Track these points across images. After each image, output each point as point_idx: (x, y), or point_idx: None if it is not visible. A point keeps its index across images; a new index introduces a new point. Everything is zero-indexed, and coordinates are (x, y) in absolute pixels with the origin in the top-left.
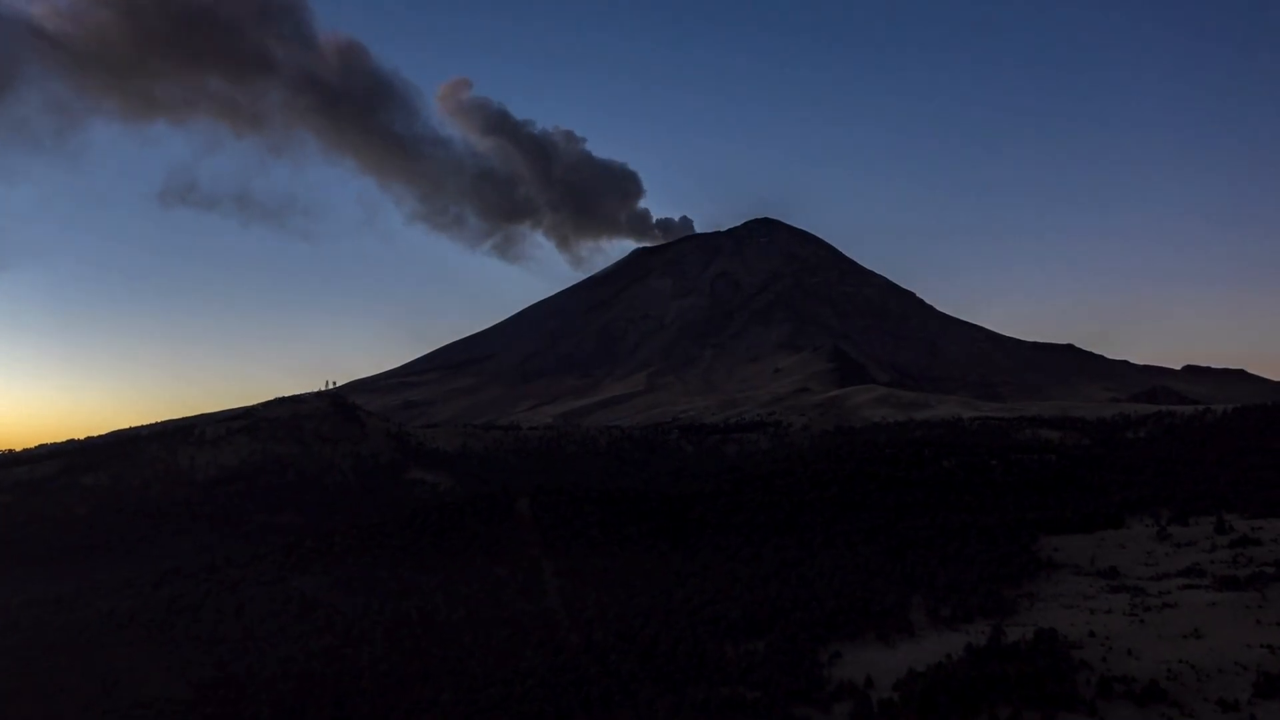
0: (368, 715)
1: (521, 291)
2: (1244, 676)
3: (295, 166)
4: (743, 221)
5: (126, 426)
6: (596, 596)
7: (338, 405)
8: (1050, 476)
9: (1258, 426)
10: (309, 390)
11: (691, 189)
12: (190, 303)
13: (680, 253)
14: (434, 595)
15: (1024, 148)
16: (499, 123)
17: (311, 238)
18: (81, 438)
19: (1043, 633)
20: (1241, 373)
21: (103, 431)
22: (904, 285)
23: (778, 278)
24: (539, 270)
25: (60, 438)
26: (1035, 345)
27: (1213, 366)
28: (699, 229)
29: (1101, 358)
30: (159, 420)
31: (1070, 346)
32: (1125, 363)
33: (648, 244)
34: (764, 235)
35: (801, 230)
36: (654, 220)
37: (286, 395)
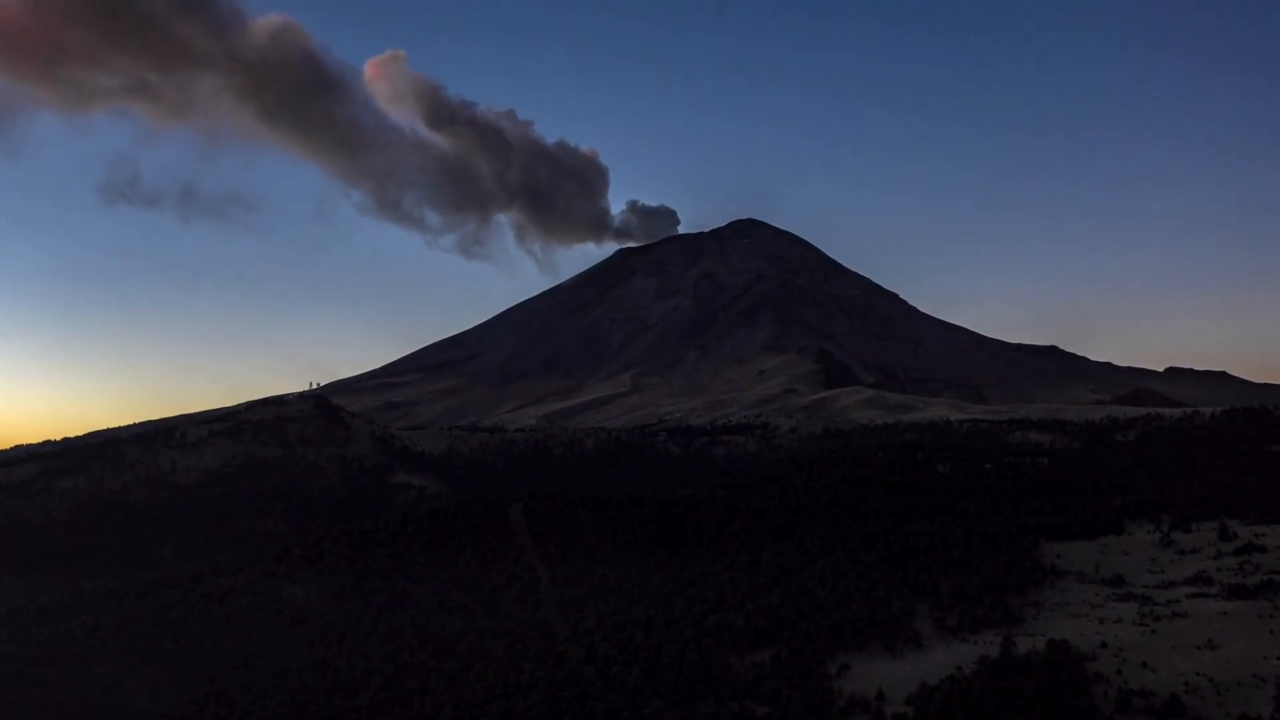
0: None
1: (503, 292)
2: (1264, 690)
3: (243, 159)
4: (727, 222)
5: (104, 428)
6: (594, 605)
7: (322, 407)
8: (1045, 481)
9: (1247, 430)
10: (287, 391)
11: (675, 188)
12: (164, 302)
13: (664, 253)
14: (428, 605)
15: (1008, 150)
16: (440, 106)
17: (257, 230)
18: (58, 439)
19: (1055, 644)
20: (1223, 375)
21: (79, 433)
22: (887, 286)
23: (762, 279)
24: (506, 266)
25: (36, 439)
26: (1019, 347)
27: (1195, 368)
28: (683, 228)
29: (1085, 359)
30: (135, 421)
31: (1054, 348)
32: (1108, 364)
33: (631, 243)
34: (748, 236)
35: (786, 231)
36: (624, 212)
37: (268, 396)
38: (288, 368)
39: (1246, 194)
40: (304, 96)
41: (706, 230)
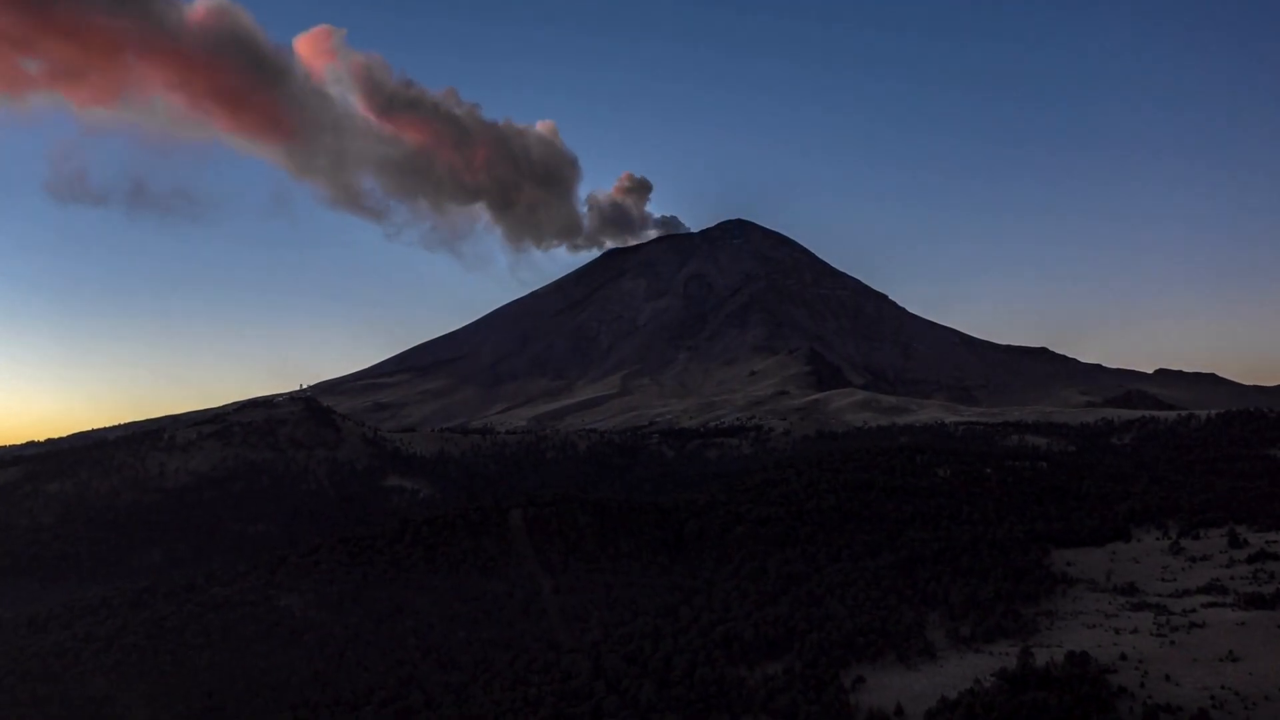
0: None
1: (491, 292)
2: None
3: (191, 151)
4: (716, 222)
5: (88, 429)
6: (599, 615)
7: (312, 410)
8: (1046, 485)
9: (1243, 433)
10: (270, 392)
11: (663, 189)
12: (145, 301)
13: (653, 253)
14: (429, 615)
15: (996, 150)
16: (389, 90)
17: (211, 225)
18: (41, 439)
19: (1074, 656)
20: (1213, 376)
21: (61, 434)
22: (875, 287)
23: (751, 279)
24: (473, 261)
25: (18, 440)
26: (1008, 348)
27: (1184, 370)
28: (674, 229)
29: (1074, 361)
30: (119, 423)
31: (1043, 350)
32: (1098, 366)
33: (618, 245)
34: (737, 237)
35: (775, 232)
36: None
37: (256, 398)
38: (269, 367)
39: (1237, 196)
40: (245, 81)
41: (694, 230)
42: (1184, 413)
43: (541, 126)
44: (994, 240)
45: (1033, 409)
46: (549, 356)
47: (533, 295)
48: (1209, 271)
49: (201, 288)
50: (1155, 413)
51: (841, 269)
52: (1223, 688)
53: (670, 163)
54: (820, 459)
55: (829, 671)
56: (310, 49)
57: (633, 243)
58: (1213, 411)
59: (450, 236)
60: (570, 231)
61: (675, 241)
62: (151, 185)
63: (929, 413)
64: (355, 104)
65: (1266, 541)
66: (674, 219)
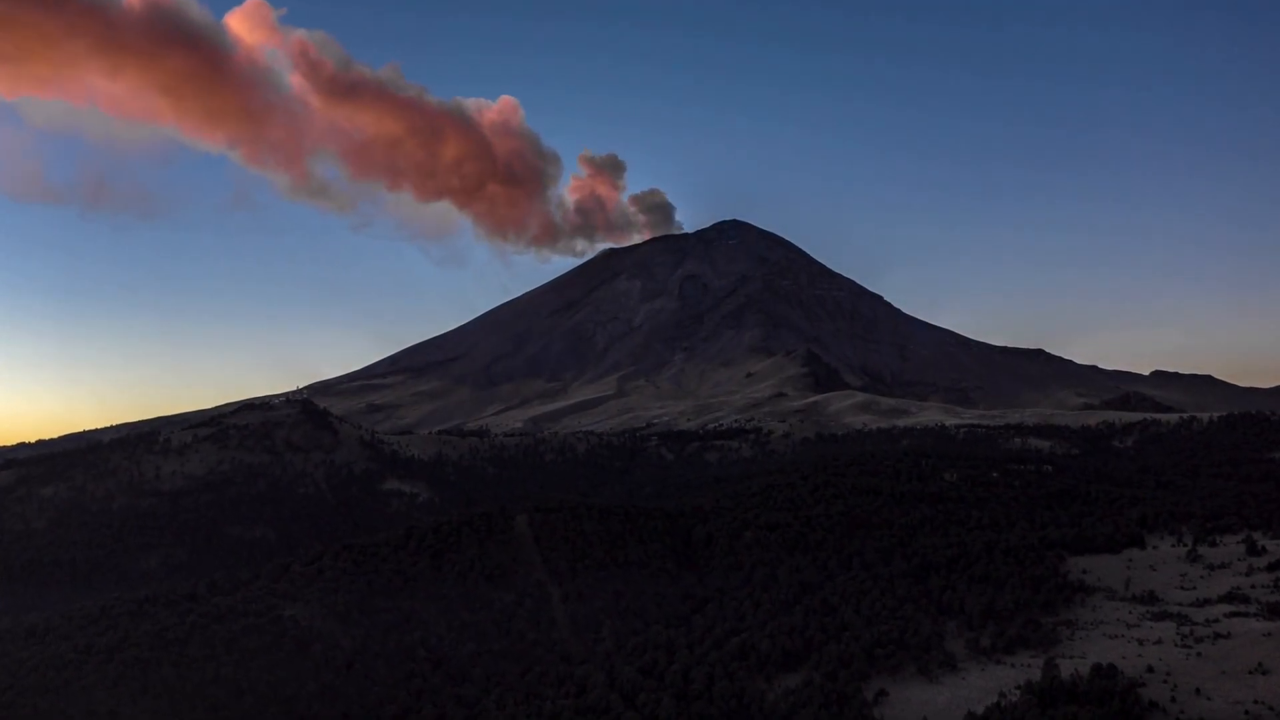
0: None
1: (485, 292)
2: None
3: (151, 148)
4: (711, 223)
5: (80, 430)
6: (610, 624)
7: (309, 412)
8: (1054, 490)
9: (1246, 437)
10: (262, 393)
11: (662, 188)
12: (133, 302)
13: (648, 254)
14: (437, 625)
15: (991, 151)
16: (337, 71)
17: (170, 224)
18: (32, 440)
19: (1101, 669)
20: (1209, 378)
21: (53, 435)
22: (870, 288)
23: (747, 280)
24: (438, 255)
25: (8, 441)
26: (1004, 350)
27: (1181, 372)
28: (668, 228)
29: (1070, 362)
30: (111, 424)
31: (1040, 351)
32: (1094, 368)
33: (612, 244)
34: (733, 237)
35: (770, 232)
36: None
37: (251, 398)
38: (261, 367)
39: (1234, 197)
40: (187, 65)
41: (685, 230)
42: (1185, 415)
43: (501, 110)
44: (988, 241)
45: (1033, 411)
46: (544, 357)
47: (527, 296)
48: (1204, 273)
49: (189, 287)
50: (1156, 415)
51: (837, 270)
52: (1256, 702)
53: (666, 162)
54: (825, 463)
55: (851, 685)
56: (245, 25)
57: (625, 243)
58: (1214, 414)
59: (422, 231)
60: (552, 233)
61: (670, 242)
62: (113, 183)
63: (929, 415)
64: (300, 86)
65: None
66: (656, 194)
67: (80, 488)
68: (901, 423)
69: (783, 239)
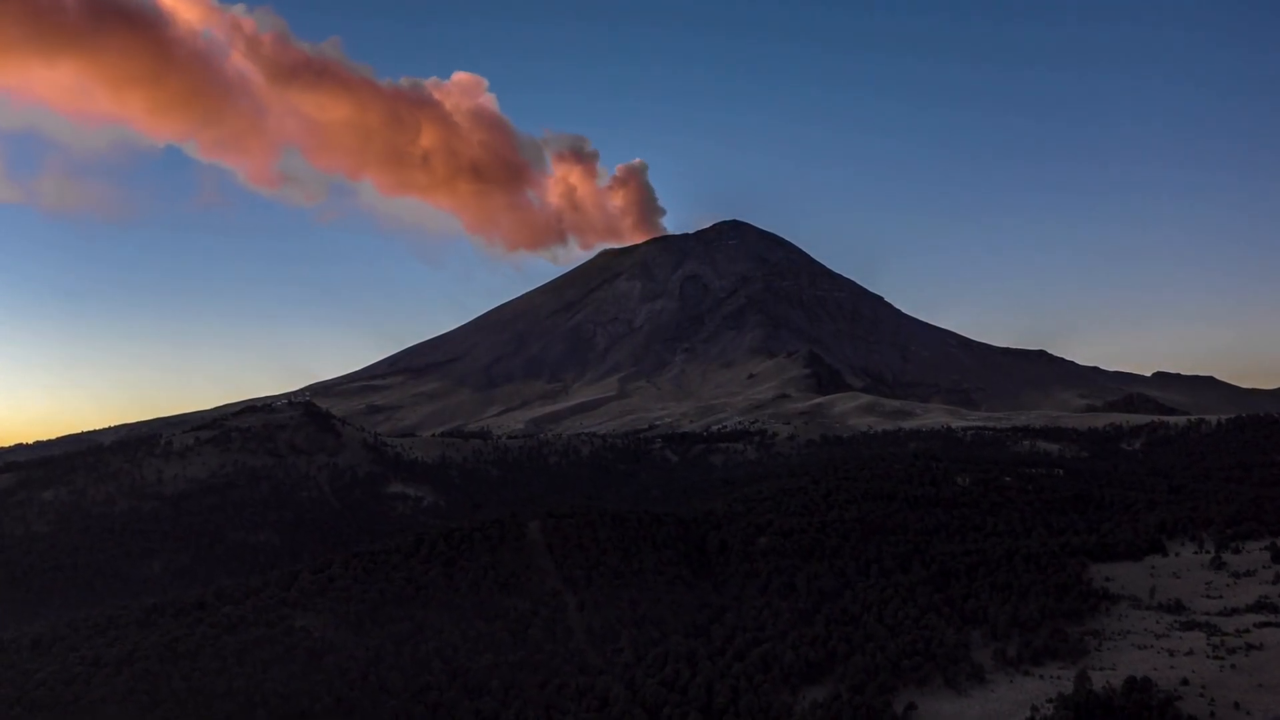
0: None
1: (485, 292)
2: None
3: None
4: (710, 223)
5: (80, 430)
6: (628, 634)
7: (312, 414)
8: (1069, 494)
9: (1256, 440)
10: (261, 394)
11: (659, 188)
12: (129, 302)
13: (648, 254)
14: (451, 635)
15: (992, 151)
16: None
17: (128, 222)
18: (30, 442)
19: (1134, 682)
20: (1211, 379)
21: (51, 436)
22: (870, 288)
23: (748, 281)
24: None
25: (6, 443)
26: (1006, 350)
27: (1183, 373)
28: (666, 229)
29: (1072, 363)
30: (110, 425)
31: (1042, 352)
32: (1096, 369)
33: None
34: (733, 238)
35: (770, 233)
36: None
37: (252, 399)
38: (258, 367)
39: (1236, 197)
40: (129, 48)
41: (687, 232)
42: (1193, 418)
43: (467, 92)
44: (988, 241)
45: (1038, 413)
46: (545, 358)
47: (527, 296)
48: (1204, 273)
49: (188, 287)
50: (1164, 418)
51: (837, 271)
52: None
53: (665, 162)
54: (834, 467)
55: (879, 698)
56: (182, 3)
57: (609, 240)
58: (1222, 417)
59: (399, 225)
60: (536, 234)
61: (670, 242)
62: (78, 182)
63: (934, 417)
64: (246, 68)
65: None
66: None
67: (81, 491)
68: (907, 425)
69: (783, 239)
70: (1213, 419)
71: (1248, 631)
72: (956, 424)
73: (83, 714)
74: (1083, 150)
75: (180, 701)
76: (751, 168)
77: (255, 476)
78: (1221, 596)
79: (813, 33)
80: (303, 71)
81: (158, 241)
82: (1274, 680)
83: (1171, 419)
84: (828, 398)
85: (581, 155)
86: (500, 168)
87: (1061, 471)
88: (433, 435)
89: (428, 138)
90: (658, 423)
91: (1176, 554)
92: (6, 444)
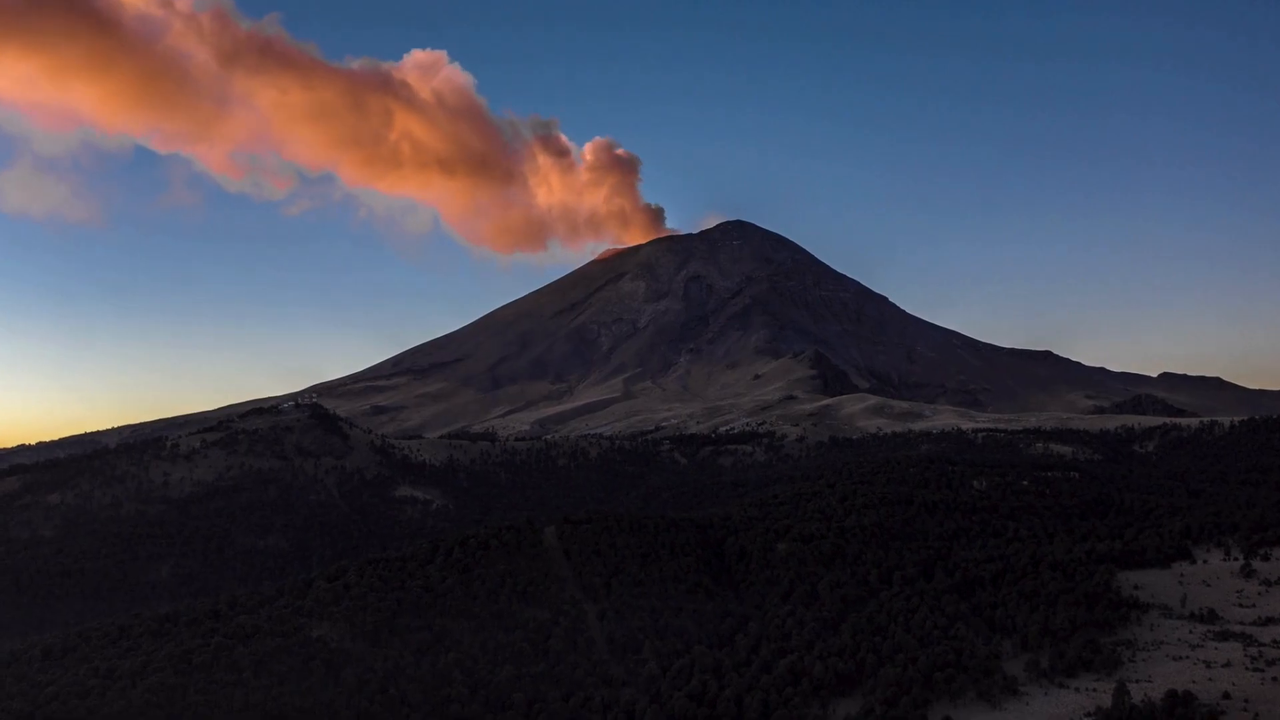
0: None
1: (487, 292)
2: None
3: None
4: (714, 223)
5: (82, 432)
6: (651, 644)
7: (319, 416)
8: (1089, 499)
9: (1269, 441)
10: (265, 395)
11: (660, 188)
12: (137, 302)
13: (652, 254)
14: (470, 645)
15: (998, 150)
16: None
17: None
18: (32, 443)
19: (1175, 696)
20: (1218, 380)
21: (55, 437)
22: (875, 288)
23: (752, 281)
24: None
25: (9, 443)
26: (1012, 351)
27: (1189, 374)
28: (670, 229)
29: (1078, 365)
30: (114, 426)
31: (1048, 353)
32: (1102, 370)
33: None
34: (736, 238)
35: (774, 233)
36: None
37: (257, 400)
38: (261, 367)
39: (1242, 197)
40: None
41: (695, 232)
42: (1206, 420)
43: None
44: (992, 241)
45: (1048, 415)
46: (549, 359)
47: (531, 296)
48: (1209, 274)
49: (187, 287)
50: (1176, 420)
51: (841, 271)
52: None
53: (667, 163)
54: (849, 470)
55: (913, 713)
56: None
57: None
58: (1235, 419)
59: (374, 217)
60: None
61: (674, 242)
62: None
63: (943, 419)
64: (194, 51)
65: None
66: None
67: (87, 495)
68: (916, 426)
69: (787, 239)
70: (1225, 421)
71: None
72: (967, 426)
73: None
74: (1087, 149)
75: (197, 715)
76: (754, 168)
77: (263, 479)
78: (1255, 605)
79: (816, 30)
80: (252, 52)
81: (134, 242)
82: None
83: (1183, 421)
84: (835, 399)
85: (557, 147)
86: (477, 157)
87: (1077, 475)
88: (440, 437)
89: (400, 123)
90: (664, 424)
91: (1205, 561)
92: (9, 444)
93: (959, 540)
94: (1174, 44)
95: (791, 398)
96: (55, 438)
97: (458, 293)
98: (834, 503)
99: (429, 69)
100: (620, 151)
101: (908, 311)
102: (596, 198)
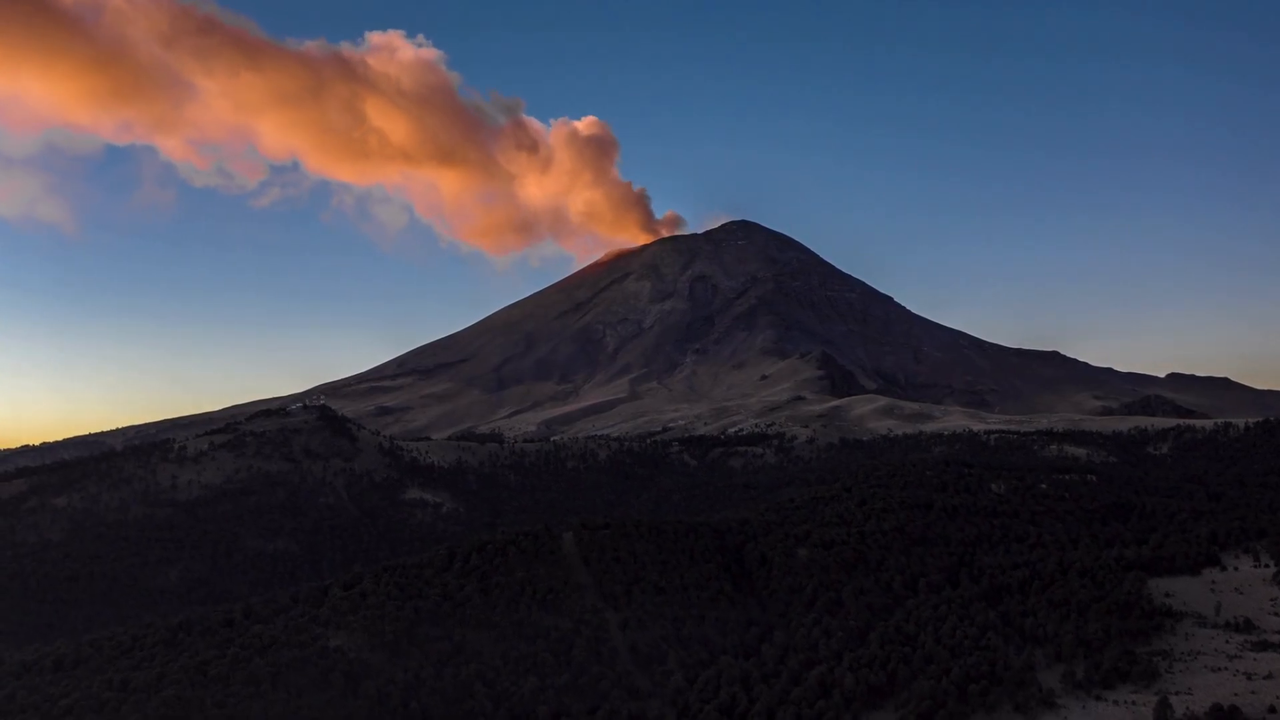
0: None
1: (493, 292)
2: None
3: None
4: (719, 223)
5: (86, 433)
6: (675, 654)
7: (327, 418)
8: (1111, 502)
9: None
10: (269, 395)
11: (666, 188)
12: (140, 302)
13: (657, 254)
14: (491, 656)
15: (1003, 151)
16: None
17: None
18: (37, 443)
19: (1220, 710)
20: (1226, 380)
21: (59, 438)
22: (880, 288)
23: (758, 281)
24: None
25: (12, 444)
26: (1019, 351)
27: (1197, 374)
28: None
29: (1086, 365)
30: (119, 427)
31: (1055, 353)
32: (1110, 370)
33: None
34: (742, 238)
35: (780, 233)
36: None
37: (265, 399)
38: (265, 367)
39: (1248, 197)
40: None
41: (700, 231)
42: (1220, 422)
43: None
44: (997, 241)
45: (1060, 416)
46: (554, 359)
47: (535, 296)
48: (1214, 274)
49: (186, 287)
50: (1189, 422)
51: (847, 271)
52: None
53: (669, 163)
54: (864, 473)
55: None
56: None
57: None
58: (1249, 420)
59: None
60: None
61: (679, 242)
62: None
63: (954, 420)
64: (139, 36)
65: None
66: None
67: (94, 497)
68: (927, 428)
69: (792, 239)
70: (1239, 422)
71: None
72: (978, 427)
73: None
74: (1094, 148)
75: None
76: (760, 168)
77: (271, 482)
78: None
79: (821, 29)
80: (190, 33)
81: (112, 245)
82: None
83: (1197, 423)
84: (844, 400)
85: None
86: (446, 148)
87: (1094, 478)
88: (447, 439)
89: (369, 108)
90: (671, 425)
91: (1235, 568)
92: (12, 446)
93: (981, 546)
94: (1184, 41)
95: (800, 398)
96: (60, 438)
97: (449, 290)
98: (852, 507)
99: (392, 49)
100: (593, 131)
101: (913, 312)
102: (577, 184)
